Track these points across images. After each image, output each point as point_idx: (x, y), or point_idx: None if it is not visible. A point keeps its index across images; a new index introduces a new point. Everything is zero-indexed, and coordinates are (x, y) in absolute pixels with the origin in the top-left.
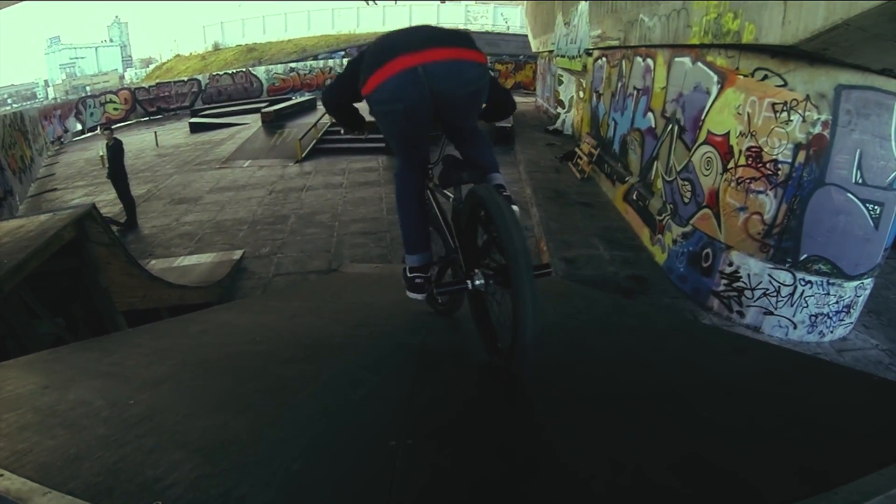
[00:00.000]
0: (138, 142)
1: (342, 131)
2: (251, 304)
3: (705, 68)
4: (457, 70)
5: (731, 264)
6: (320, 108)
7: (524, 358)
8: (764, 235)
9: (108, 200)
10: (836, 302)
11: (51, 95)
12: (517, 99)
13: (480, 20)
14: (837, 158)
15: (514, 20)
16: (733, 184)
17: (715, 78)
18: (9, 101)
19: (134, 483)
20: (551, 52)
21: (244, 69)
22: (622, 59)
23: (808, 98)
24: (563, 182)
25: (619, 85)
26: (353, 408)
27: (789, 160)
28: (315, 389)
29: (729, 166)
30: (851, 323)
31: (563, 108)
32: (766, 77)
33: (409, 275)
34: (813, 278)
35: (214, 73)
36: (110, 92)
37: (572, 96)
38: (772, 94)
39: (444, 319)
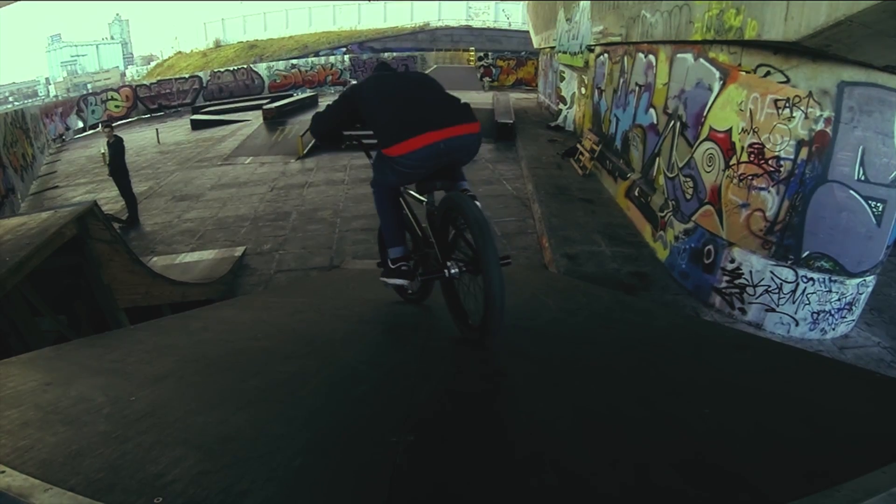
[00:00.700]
0: (140, 139)
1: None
2: (252, 301)
3: (707, 64)
4: (466, 142)
5: (732, 261)
6: (322, 104)
7: (496, 329)
8: (766, 232)
9: (109, 198)
10: (838, 299)
11: (52, 93)
12: (519, 95)
13: (482, 16)
14: (840, 155)
15: (515, 16)
16: (735, 180)
17: (717, 74)
18: (10, 98)
19: (135, 479)
20: (553, 48)
21: (245, 66)
22: (624, 56)
23: (810, 95)
24: (565, 178)
25: (621, 81)
26: (354, 404)
27: (792, 157)
28: (316, 386)
29: (731, 163)
30: (853, 320)
31: (565, 104)
32: (768, 73)
33: (392, 266)
34: (815, 275)
35: (216, 70)
36: (112, 89)
37: (574, 93)
38: (774, 91)
39: (444, 317)
